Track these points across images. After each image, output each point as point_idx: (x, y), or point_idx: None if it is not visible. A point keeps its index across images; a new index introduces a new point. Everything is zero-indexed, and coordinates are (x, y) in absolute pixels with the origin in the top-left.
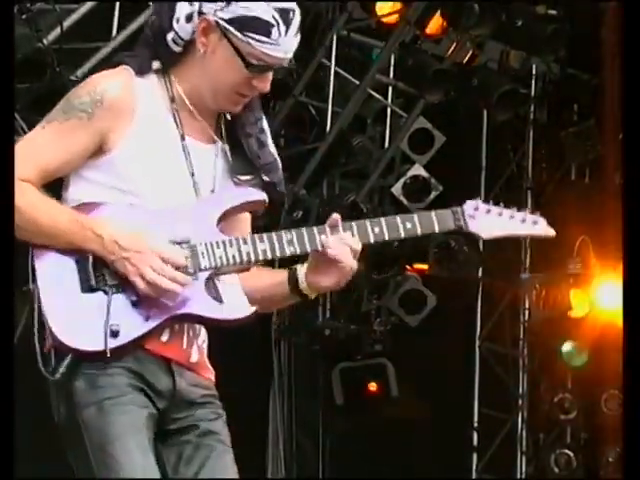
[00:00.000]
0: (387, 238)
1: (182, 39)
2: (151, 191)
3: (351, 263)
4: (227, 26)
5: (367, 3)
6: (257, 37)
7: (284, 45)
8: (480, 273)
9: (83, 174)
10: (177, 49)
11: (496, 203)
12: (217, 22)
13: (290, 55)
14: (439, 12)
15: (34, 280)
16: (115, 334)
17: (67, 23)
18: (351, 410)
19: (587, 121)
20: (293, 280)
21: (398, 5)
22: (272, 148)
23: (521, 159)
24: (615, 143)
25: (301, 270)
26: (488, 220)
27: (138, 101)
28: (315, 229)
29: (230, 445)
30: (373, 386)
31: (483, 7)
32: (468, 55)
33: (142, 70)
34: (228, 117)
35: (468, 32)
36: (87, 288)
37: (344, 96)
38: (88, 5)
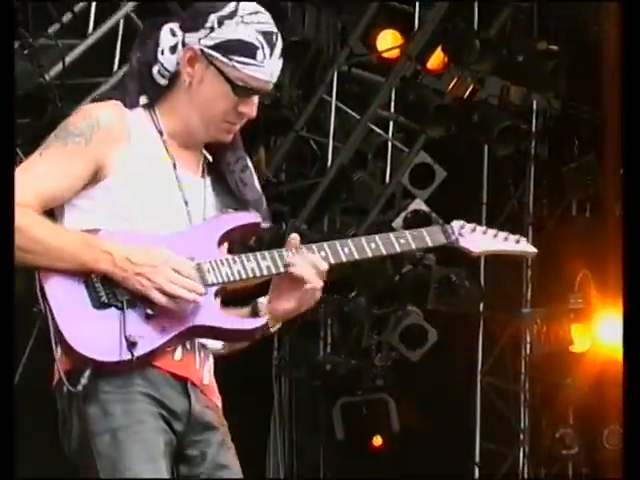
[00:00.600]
0: (384, 253)
1: (167, 71)
2: (145, 219)
3: (315, 282)
4: (212, 52)
5: (368, 39)
6: (243, 60)
7: (269, 67)
8: (481, 308)
9: (77, 203)
10: (163, 82)
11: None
12: (202, 50)
13: (274, 79)
14: (440, 47)
15: (45, 301)
16: (134, 344)
17: (69, 59)
18: (352, 445)
19: (587, 156)
20: (254, 313)
21: (399, 40)
22: (257, 184)
23: (522, 194)
24: (615, 178)
25: (262, 302)
26: (475, 237)
27: (130, 130)
28: (314, 246)
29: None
30: (378, 440)
31: (484, 43)
32: (469, 90)
33: (131, 104)
34: (209, 158)
35: (469, 67)
36: (99, 305)
37: (345, 131)
38: (90, 41)
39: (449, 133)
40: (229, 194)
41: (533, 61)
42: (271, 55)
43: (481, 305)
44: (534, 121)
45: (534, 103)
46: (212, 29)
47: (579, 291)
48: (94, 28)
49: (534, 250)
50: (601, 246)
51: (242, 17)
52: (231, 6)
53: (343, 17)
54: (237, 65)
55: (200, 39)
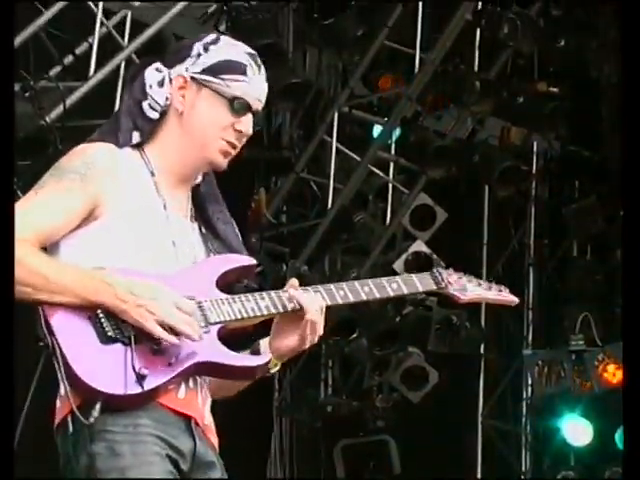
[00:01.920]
0: (378, 296)
1: (158, 104)
2: (137, 257)
3: (320, 320)
4: (202, 76)
5: (369, 80)
6: (233, 77)
7: (258, 85)
8: (482, 349)
9: (71, 242)
10: (154, 115)
11: (497, 280)
12: (192, 77)
13: (263, 99)
14: (440, 89)
15: (52, 336)
16: (143, 377)
17: (70, 101)
18: None
19: (588, 198)
20: (255, 354)
21: (400, 81)
22: (238, 236)
23: (523, 235)
24: (616, 220)
25: (263, 343)
26: (461, 285)
27: (123, 170)
28: (309, 289)
29: None
30: None
31: (484, 84)
32: (469, 131)
33: (124, 141)
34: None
35: (469, 108)
36: (106, 339)
37: (345, 172)
38: (91, 83)
39: (449, 174)
40: (216, 239)
41: (533, 102)
42: (259, 72)
43: (482, 346)
44: (535, 162)
45: (534, 144)
46: (199, 56)
47: (580, 333)
48: (95, 70)
49: (515, 300)
50: (602, 288)
51: (226, 41)
52: (213, 35)
53: (344, 58)
54: (229, 83)
55: (187, 68)
